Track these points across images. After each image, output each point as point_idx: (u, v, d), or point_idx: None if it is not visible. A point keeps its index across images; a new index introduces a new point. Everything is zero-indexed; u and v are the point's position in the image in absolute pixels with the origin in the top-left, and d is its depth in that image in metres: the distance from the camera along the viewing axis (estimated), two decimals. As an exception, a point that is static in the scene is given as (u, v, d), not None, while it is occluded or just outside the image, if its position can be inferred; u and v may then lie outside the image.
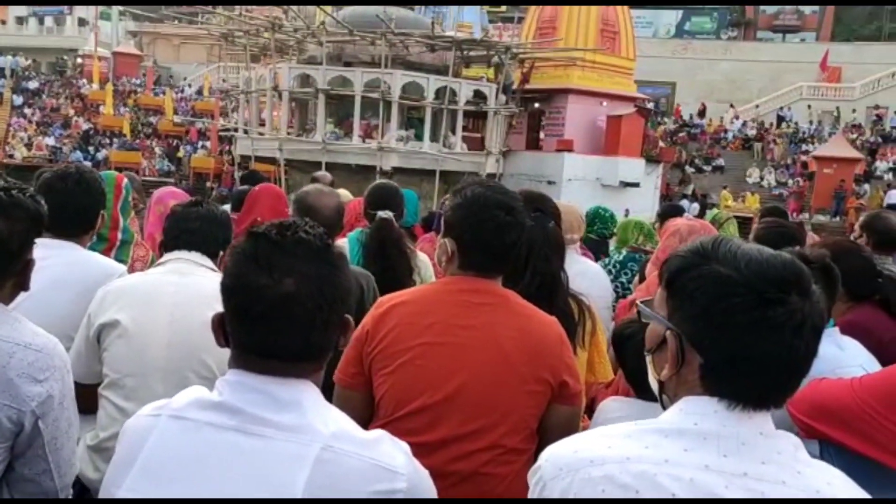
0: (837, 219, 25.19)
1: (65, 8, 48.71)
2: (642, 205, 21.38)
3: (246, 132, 21.86)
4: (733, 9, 46.70)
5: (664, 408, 1.16)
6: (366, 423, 1.80)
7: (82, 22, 48.34)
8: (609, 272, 3.96)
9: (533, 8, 24.29)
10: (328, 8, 20.09)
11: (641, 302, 1.21)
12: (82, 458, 2.11)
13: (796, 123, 34.44)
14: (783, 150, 31.65)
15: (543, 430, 1.85)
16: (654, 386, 1.20)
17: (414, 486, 1.21)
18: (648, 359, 1.20)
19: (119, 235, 3.02)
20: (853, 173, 26.94)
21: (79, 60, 41.43)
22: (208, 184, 27.47)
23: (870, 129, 32.83)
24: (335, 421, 1.21)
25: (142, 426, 1.22)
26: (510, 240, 1.88)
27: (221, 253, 2.33)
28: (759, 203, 23.48)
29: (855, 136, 31.63)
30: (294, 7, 21.13)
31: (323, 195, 2.86)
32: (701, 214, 17.87)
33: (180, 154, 30.86)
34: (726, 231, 4.87)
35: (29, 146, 29.50)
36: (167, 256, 2.31)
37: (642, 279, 3.33)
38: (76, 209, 2.46)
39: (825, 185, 26.48)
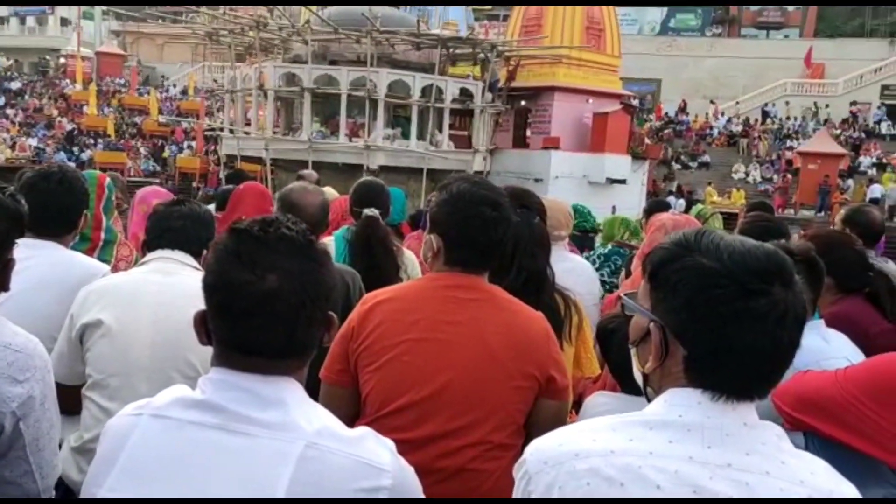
0: (822, 214, 25.37)
1: (46, 7, 48.28)
2: (629, 202, 21.46)
3: (232, 132, 21.76)
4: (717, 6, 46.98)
5: (649, 400, 1.16)
6: (352, 421, 1.79)
7: (65, 21, 47.96)
8: (593, 262, 3.98)
9: (518, 6, 24.31)
10: (313, 6, 20.03)
11: (625, 294, 1.21)
12: (66, 460, 2.09)
13: (781, 119, 34.69)
14: (768, 146, 31.85)
15: (531, 426, 1.85)
16: (639, 378, 1.20)
17: (399, 482, 1.20)
18: (633, 351, 1.20)
19: (102, 235, 2.99)
20: (837, 169, 27.15)
21: (62, 60, 41.16)
22: (194, 184, 27.32)
23: (847, 124, 33.10)
24: (319, 418, 1.20)
25: (123, 425, 1.20)
26: (496, 236, 1.87)
27: (205, 252, 2.31)
28: (745, 199, 23.62)
29: (839, 131, 31.89)
30: (279, 6, 21.03)
31: (307, 193, 2.85)
32: (687, 211, 17.92)
33: (166, 154, 30.70)
34: (711, 226, 4.89)
35: (12, 147, 29.23)
36: (150, 256, 2.29)
37: (628, 274, 3.34)
38: (58, 209, 2.44)
39: (810, 181, 26.66)
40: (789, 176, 28.46)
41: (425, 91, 20.04)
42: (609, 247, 4.28)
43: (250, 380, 1.19)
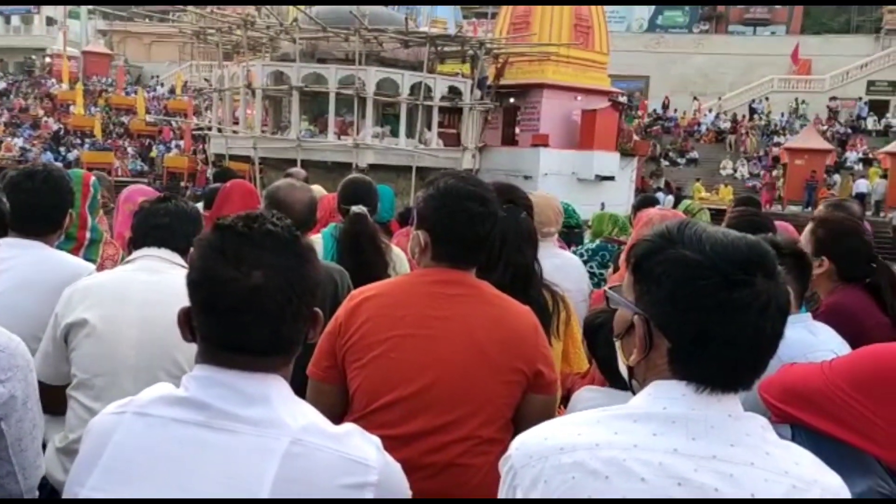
0: (809, 209, 25.50)
1: (32, 7, 47.90)
2: (618, 198, 21.54)
3: (220, 131, 21.67)
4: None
5: (634, 393, 1.16)
6: (340, 417, 1.79)
7: (50, 21, 47.61)
8: (580, 255, 4.00)
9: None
10: (301, 5, 19.98)
11: (610, 288, 1.21)
12: (51, 461, 2.07)
13: (768, 115, 34.86)
14: (756, 142, 31.99)
15: (519, 420, 1.85)
16: (624, 371, 1.20)
17: (385, 479, 1.20)
18: (617, 344, 1.20)
19: (88, 234, 2.97)
20: (824, 164, 27.31)
21: (47, 60, 40.86)
22: (182, 183, 27.19)
23: (829, 120, 33.32)
24: (304, 415, 1.19)
25: (106, 424, 1.19)
26: (483, 231, 1.87)
27: (192, 249, 2.29)
28: (733, 195, 23.72)
29: (825, 127, 32.07)
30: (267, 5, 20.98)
31: (294, 190, 2.83)
32: (675, 207, 17.99)
33: (153, 154, 30.53)
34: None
35: (-2, 147, 29.04)
36: (136, 254, 2.27)
37: (616, 270, 3.35)
38: (43, 208, 2.42)
39: (797, 177, 26.81)
40: (775, 172, 28.59)
41: (414, 89, 20.04)
42: (597, 242, 4.30)
43: (235, 377, 1.18)
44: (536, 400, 1.87)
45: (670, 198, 23.43)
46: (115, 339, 2.10)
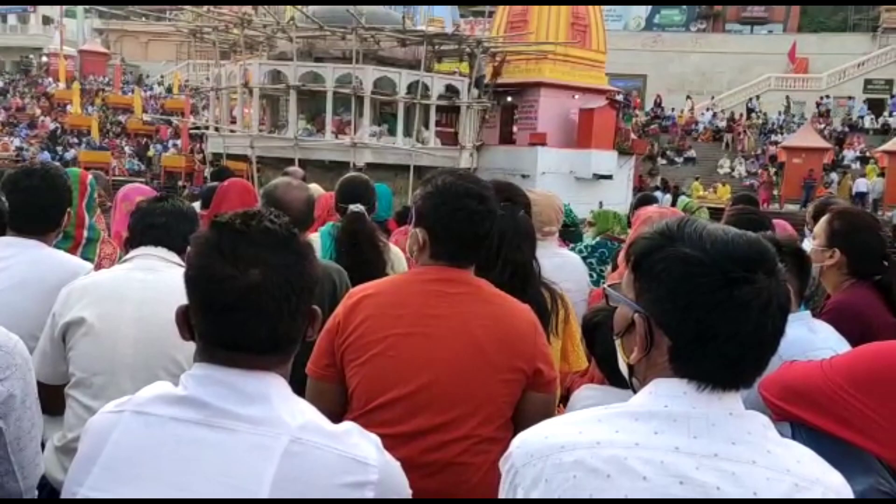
0: (808, 208, 25.52)
1: (28, 6, 47.80)
2: (615, 197, 21.53)
3: (217, 130, 21.64)
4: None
5: (634, 391, 1.16)
6: (339, 416, 1.78)
7: (47, 20, 47.52)
8: (580, 252, 3.99)
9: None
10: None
11: (609, 286, 1.20)
12: (50, 460, 2.07)
13: (765, 114, 34.89)
14: (753, 141, 32.01)
15: (519, 419, 1.84)
16: (624, 370, 1.20)
17: (385, 477, 1.19)
18: (618, 342, 1.20)
19: (85, 233, 2.97)
20: (822, 163, 27.33)
21: (44, 59, 40.77)
22: (180, 182, 27.15)
23: (819, 117, 33.37)
24: (303, 413, 1.19)
25: (104, 423, 1.19)
26: (482, 229, 1.87)
27: (189, 247, 2.28)
28: (731, 193, 23.73)
29: (823, 125, 32.10)
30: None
31: (292, 189, 2.82)
32: (673, 205, 18.01)
33: (150, 153, 30.48)
34: (697, 218, 4.92)
35: (-6, 147, 28.99)
36: (133, 253, 2.26)
37: (615, 268, 3.35)
38: (41, 206, 2.41)
39: (794, 175, 26.82)
40: (771, 170, 28.60)
41: (411, 88, 20.02)
42: (597, 239, 4.30)
43: (233, 375, 1.17)
44: (536, 398, 1.86)
45: (668, 196, 23.47)
46: (113, 337, 2.10)
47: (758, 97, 36.50)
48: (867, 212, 3.05)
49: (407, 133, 20.48)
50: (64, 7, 42.77)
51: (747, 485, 1.01)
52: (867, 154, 29.14)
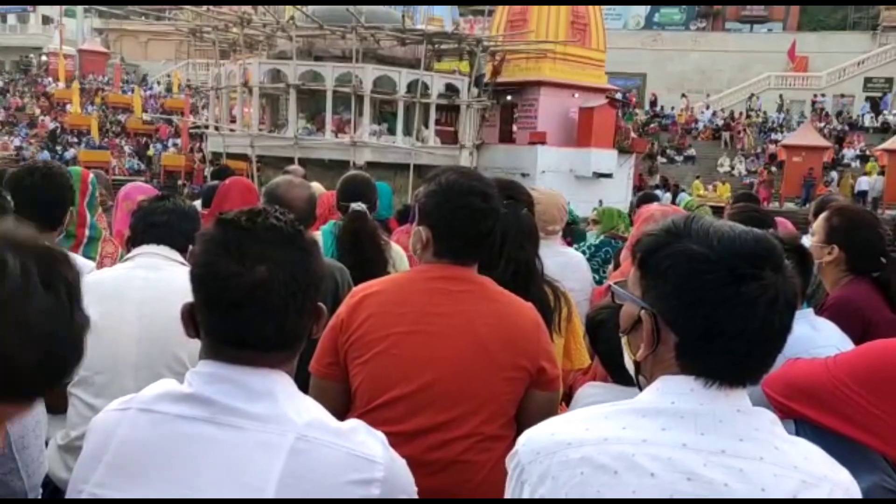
0: (807, 206, 25.50)
1: (28, 5, 47.76)
2: (615, 195, 21.52)
3: (217, 129, 21.63)
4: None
5: (641, 388, 1.16)
6: (343, 414, 1.78)
7: (46, 19, 47.46)
8: (583, 252, 3.99)
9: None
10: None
11: (615, 283, 1.20)
12: (53, 458, 2.06)
13: (764, 112, 34.88)
14: (753, 139, 32.00)
15: (522, 416, 1.84)
16: (630, 367, 1.20)
17: (391, 475, 1.19)
18: (624, 340, 1.20)
19: (86, 232, 2.96)
20: (822, 161, 27.32)
21: (44, 58, 40.74)
22: (180, 182, 27.14)
23: (821, 117, 33.38)
24: (309, 411, 1.19)
25: (109, 421, 1.18)
26: (485, 226, 1.86)
27: (191, 247, 2.28)
28: (731, 192, 23.73)
29: (822, 124, 32.10)
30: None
31: (294, 187, 2.82)
32: (673, 203, 18.01)
33: (150, 152, 30.46)
34: (699, 216, 4.92)
35: (-6, 147, 28.97)
36: (134, 251, 2.26)
37: (616, 266, 3.34)
38: (44, 204, 2.41)
39: (794, 174, 26.82)
40: (772, 169, 28.60)
41: (411, 87, 20.02)
42: (601, 237, 4.30)
43: (239, 372, 1.17)
44: (539, 396, 1.86)
45: (668, 195, 23.48)
46: (115, 336, 2.10)
47: (756, 96, 36.46)
48: (866, 209, 3.06)
49: (407, 132, 20.48)
50: (63, 7, 42.71)
51: (755, 481, 1.00)
52: (867, 153, 29.14)
